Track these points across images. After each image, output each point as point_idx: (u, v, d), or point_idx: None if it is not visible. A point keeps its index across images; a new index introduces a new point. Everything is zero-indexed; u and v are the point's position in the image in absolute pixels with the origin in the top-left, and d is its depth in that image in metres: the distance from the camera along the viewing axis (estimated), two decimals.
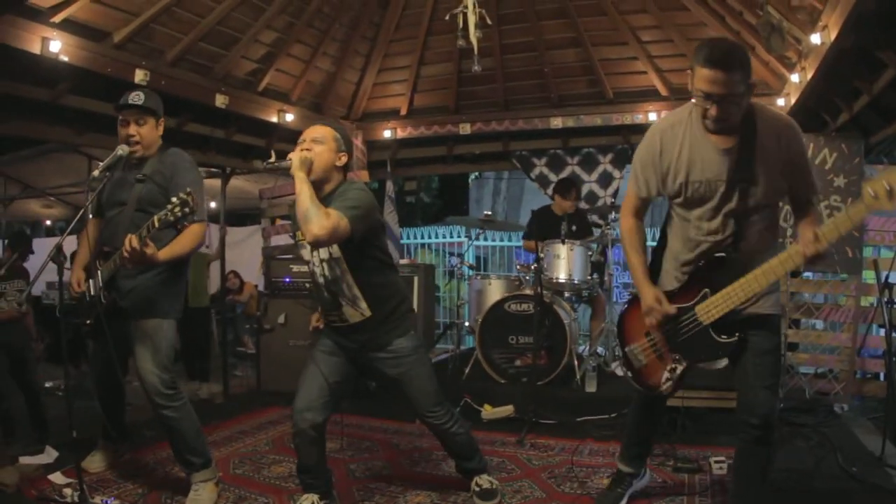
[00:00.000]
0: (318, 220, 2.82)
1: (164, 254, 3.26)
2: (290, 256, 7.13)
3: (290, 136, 7.53)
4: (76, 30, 5.02)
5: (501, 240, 11.76)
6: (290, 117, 6.96)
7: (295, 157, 3.01)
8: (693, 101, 2.76)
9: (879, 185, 2.41)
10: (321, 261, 3.20)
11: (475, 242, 10.00)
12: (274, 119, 6.87)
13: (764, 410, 2.82)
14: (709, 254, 2.90)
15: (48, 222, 13.98)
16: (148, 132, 3.51)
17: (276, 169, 3.10)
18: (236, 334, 9.40)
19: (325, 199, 3.07)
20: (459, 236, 11.86)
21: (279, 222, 8.87)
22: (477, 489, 3.58)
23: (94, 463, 3.94)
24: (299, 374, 5.94)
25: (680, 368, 3.00)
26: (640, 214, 3.13)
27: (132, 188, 3.44)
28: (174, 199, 3.03)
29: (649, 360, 3.12)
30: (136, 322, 3.43)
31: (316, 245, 3.06)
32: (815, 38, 4.56)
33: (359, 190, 3.12)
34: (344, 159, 3.18)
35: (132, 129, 3.47)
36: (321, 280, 3.24)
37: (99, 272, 3.45)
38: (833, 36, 4.29)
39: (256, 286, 9.65)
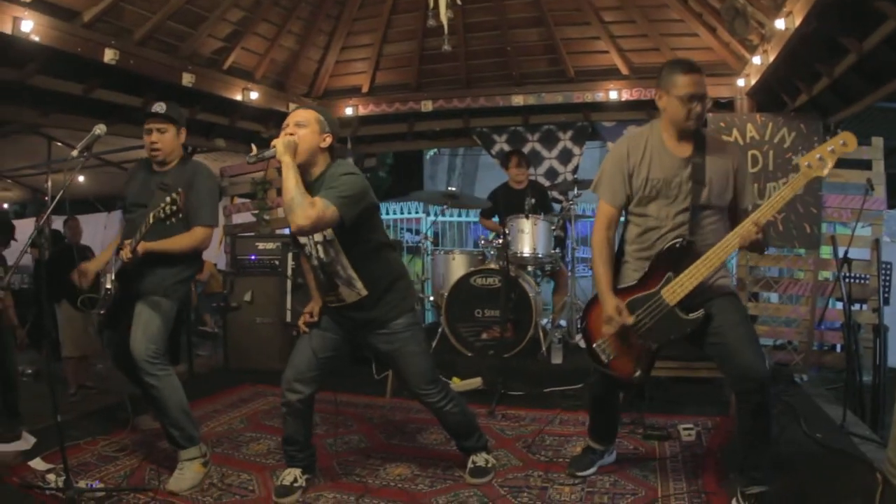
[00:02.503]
0: (302, 209, 2.87)
1: (149, 245, 3.50)
2: (254, 234, 7.12)
3: (254, 115, 7.53)
4: (47, 9, 4.91)
5: (460, 215, 11.79)
6: (254, 95, 6.91)
7: (279, 142, 3.03)
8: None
9: (812, 157, 2.90)
10: (316, 243, 3.22)
11: (434, 218, 10.06)
12: (238, 97, 6.82)
13: (758, 373, 2.92)
14: (668, 242, 3.13)
15: (6, 205, 13.60)
16: (169, 140, 3.73)
17: (262, 159, 3.12)
18: (198, 314, 9.33)
19: (314, 183, 3.11)
20: (417, 212, 11.88)
21: (237, 201, 8.81)
22: (471, 465, 3.62)
23: (146, 421, 4.41)
24: (266, 352, 6.11)
25: (650, 353, 3.18)
26: (612, 227, 3.34)
27: (154, 194, 3.62)
28: (167, 198, 3.21)
29: (618, 353, 3.28)
30: (140, 299, 3.62)
31: (300, 234, 3.11)
32: (780, 24, 4.63)
33: (349, 175, 3.09)
34: (329, 140, 3.18)
35: (154, 137, 3.69)
36: (316, 262, 3.27)
37: (114, 268, 3.73)
38: (797, 22, 4.39)
39: (215, 264, 9.58)
